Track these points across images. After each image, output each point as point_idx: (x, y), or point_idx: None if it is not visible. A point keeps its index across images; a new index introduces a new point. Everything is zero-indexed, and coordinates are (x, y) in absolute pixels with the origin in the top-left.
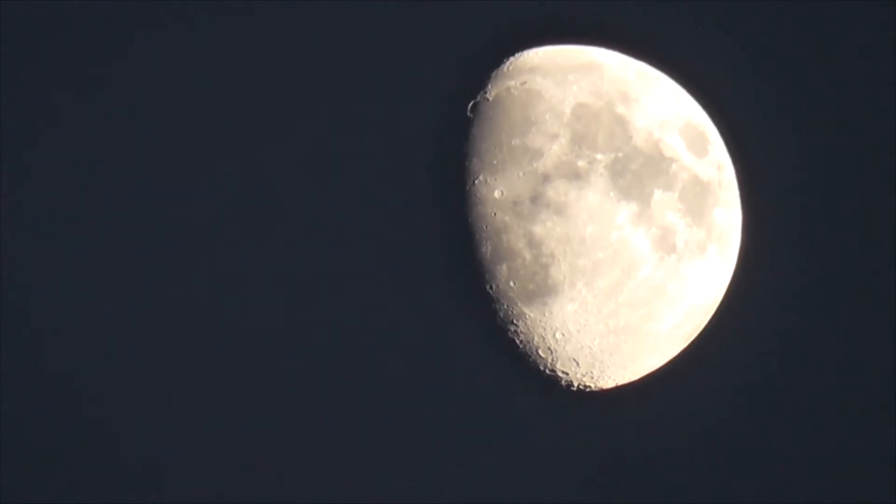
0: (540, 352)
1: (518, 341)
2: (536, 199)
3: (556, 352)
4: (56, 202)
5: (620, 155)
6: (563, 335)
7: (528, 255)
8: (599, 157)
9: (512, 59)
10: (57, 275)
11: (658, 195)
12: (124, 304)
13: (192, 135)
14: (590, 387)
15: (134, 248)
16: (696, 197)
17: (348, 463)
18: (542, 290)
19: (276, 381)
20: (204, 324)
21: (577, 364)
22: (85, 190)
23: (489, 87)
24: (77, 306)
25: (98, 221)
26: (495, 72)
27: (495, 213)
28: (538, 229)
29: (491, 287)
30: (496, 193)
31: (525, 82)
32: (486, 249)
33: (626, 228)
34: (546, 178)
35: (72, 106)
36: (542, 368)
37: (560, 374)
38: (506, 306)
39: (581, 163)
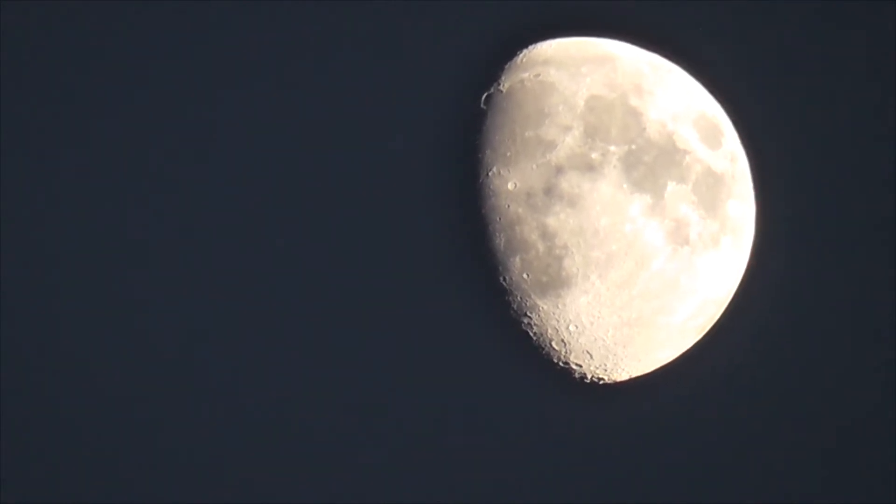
0: (553, 344)
1: (531, 333)
2: (550, 191)
3: (570, 344)
4: (55, 201)
5: (634, 147)
6: (577, 327)
7: (541, 247)
8: (613, 149)
9: (525, 51)
10: (58, 273)
11: (671, 187)
12: (126, 306)
13: (215, 134)
14: (603, 379)
15: (139, 250)
16: (710, 189)
17: (358, 457)
18: (556, 282)
19: (285, 377)
20: (222, 317)
21: (591, 356)
22: (85, 189)
23: (503, 79)
24: (77, 306)
25: (100, 221)
26: (509, 64)
27: (509, 205)
28: (552, 221)
29: (504, 279)
30: (510, 185)
31: (539, 74)
32: (500, 241)
33: (640, 220)
34: (559, 169)
35: (71, 105)
36: (555, 361)
37: (573, 366)
38: (519, 298)
39: (594, 155)
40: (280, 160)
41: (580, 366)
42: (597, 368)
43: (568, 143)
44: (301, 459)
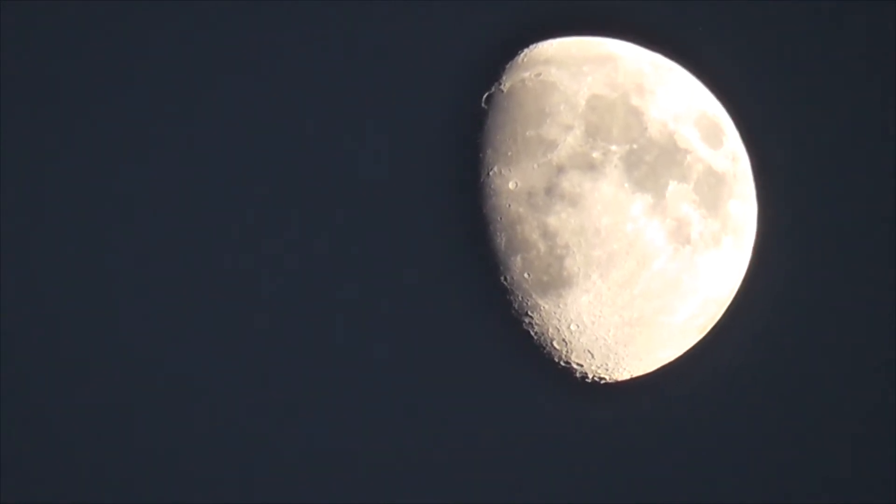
0: (554, 343)
1: (532, 333)
2: (551, 191)
3: (571, 343)
4: (55, 201)
5: (635, 146)
6: (578, 327)
7: (542, 247)
8: (614, 148)
9: (527, 50)
10: (57, 273)
11: (673, 187)
12: (126, 306)
13: (214, 134)
14: (604, 378)
15: (140, 250)
16: (711, 188)
17: (358, 457)
18: (557, 282)
19: (284, 377)
20: (222, 317)
21: (592, 356)
22: (84, 188)
23: (504, 78)
24: (77, 306)
25: (99, 221)
26: (510, 63)
27: (510, 205)
28: (553, 220)
29: (505, 278)
30: (511, 185)
31: (540, 74)
32: (501, 241)
33: (641, 220)
34: (561, 169)
35: (70, 106)
36: (556, 360)
37: (575, 365)
38: (520, 298)
39: (596, 154)
40: (280, 160)
41: (581, 365)
42: (598, 368)
43: (569, 142)
44: (301, 459)
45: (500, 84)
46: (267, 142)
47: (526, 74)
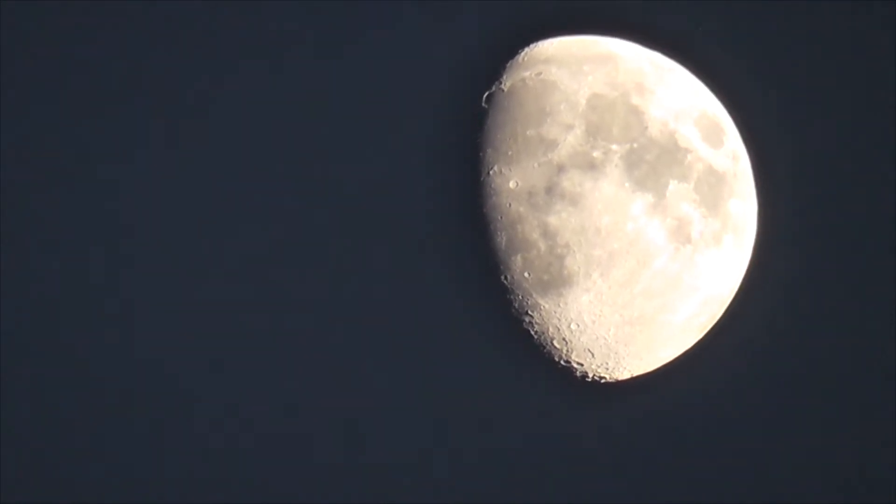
0: (555, 343)
1: (533, 332)
2: (551, 190)
3: (571, 343)
4: (55, 201)
5: (635, 146)
6: (578, 326)
7: (542, 246)
8: (614, 147)
9: (527, 49)
10: (57, 273)
11: (673, 186)
12: (127, 306)
13: (214, 134)
14: (605, 378)
15: (140, 251)
16: (712, 188)
17: (357, 457)
18: (557, 281)
19: (284, 378)
20: (221, 318)
21: (592, 355)
22: (84, 187)
23: (504, 77)
24: (76, 305)
25: (98, 221)
26: (510, 62)
27: (510, 204)
28: (553, 220)
29: (506, 278)
30: (511, 184)
31: (540, 73)
32: (501, 240)
33: (642, 219)
34: (561, 168)
35: (70, 105)
36: (556, 359)
37: (575, 365)
38: (520, 297)
39: (596, 153)
40: (280, 160)
41: (582, 364)
42: (598, 367)
43: (569, 141)
44: (300, 460)
45: (500, 83)
46: (267, 142)
47: (526, 73)
